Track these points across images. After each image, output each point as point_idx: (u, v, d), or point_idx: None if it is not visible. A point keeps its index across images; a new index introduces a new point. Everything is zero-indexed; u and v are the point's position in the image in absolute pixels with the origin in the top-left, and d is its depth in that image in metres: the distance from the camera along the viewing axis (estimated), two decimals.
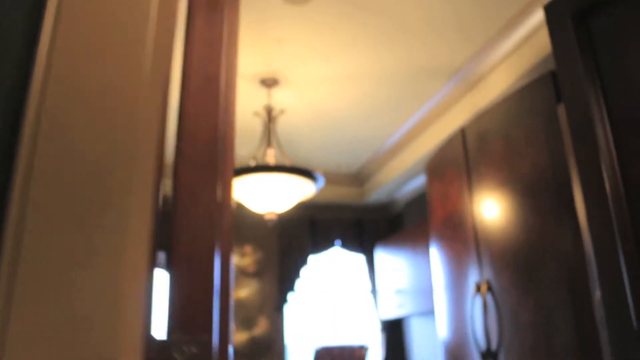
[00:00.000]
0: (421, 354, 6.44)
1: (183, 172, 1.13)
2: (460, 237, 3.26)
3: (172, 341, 1.01)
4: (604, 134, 1.70)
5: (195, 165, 1.14)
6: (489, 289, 2.85)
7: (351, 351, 5.48)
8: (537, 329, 2.41)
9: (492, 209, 2.89)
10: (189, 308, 1.06)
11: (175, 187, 1.12)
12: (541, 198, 2.46)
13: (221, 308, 1.16)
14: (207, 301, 1.07)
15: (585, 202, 1.74)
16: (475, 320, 2.95)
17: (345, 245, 7.14)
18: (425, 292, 5.29)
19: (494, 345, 2.78)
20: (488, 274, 2.89)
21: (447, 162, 3.47)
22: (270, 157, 4.20)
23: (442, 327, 3.57)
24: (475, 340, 2.94)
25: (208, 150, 1.15)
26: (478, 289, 2.95)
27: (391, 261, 6.27)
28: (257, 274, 6.92)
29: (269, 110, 4.42)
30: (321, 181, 4.00)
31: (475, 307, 2.96)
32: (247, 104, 4.62)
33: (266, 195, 3.82)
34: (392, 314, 6.19)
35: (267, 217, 4.00)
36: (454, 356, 3.38)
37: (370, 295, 7.12)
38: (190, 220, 1.10)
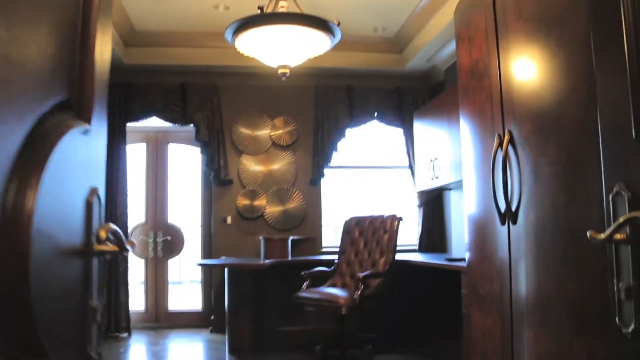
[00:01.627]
0: (459, 227, 6.21)
1: None
2: (484, 87, 2.86)
3: None
4: None
5: None
6: (511, 140, 2.49)
7: (382, 221, 5.29)
8: (559, 179, 2.06)
9: (518, 55, 2.46)
10: None
11: None
12: (572, 37, 2.01)
13: None
14: None
15: None
16: (497, 179, 2.62)
17: (383, 117, 6.77)
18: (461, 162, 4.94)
19: (514, 205, 2.46)
20: (511, 124, 2.52)
21: (473, 3, 3.00)
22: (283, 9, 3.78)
23: (467, 194, 3.28)
24: (496, 201, 2.63)
25: None
26: (500, 141, 2.59)
27: (428, 132, 5.89)
28: (292, 146, 6.71)
29: None
30: (337, 33, 3.59)
31: (497, 163, 2.62)
32: None
33: (277, 47, 3.46)
34: (429, 186, 5.91)
35: (280, 70, 3.69)
36: (477, 225, 3.10)
37: (408, 170, 6.83)
38: None
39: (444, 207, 6.76)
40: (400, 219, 5.19)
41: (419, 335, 5.61)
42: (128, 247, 1.23)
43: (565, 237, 2.00)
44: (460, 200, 6.09)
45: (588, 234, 1.33)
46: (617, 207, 1.32)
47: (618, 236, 1.23)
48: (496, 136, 2.63)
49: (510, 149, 2.51)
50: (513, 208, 2.47)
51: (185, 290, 8.58)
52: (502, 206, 2.56)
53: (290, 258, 5.89)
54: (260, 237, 6.06)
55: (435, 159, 5.58)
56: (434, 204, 6.77)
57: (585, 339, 1.86)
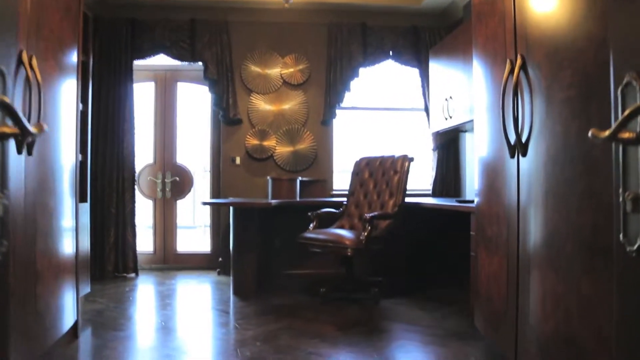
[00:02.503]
0: (473, 171, 6.00)
1: None
2: (497, 10, 2.61)
3: None
4: None
5: None
6: (523, 65, 2.27)
7: (392, 161, 5.11)
8: (573, 105, 1.86)
9: None
10: None
11: None
12: None
13: None
14: None
15: None
16: (507, 109, 2.42)
17: (398, 56, 6.48)
18: None
19: (524, 136, 2.26)
20: (523, 48, 2.29)
21: None
22: None
23: (478, 131, 3.07)
24: (506, 133, 2.43)
25: None
26: (512, 67, 2.37)
27: (444, 71, 5.61)
28: (303, 85, 6.48)
29: None
30: None
31: (508, 92, 2.41)
32: None
33: None
34: (443, 126, 5.67)
35: None
36: (486, 164, 2.91)
37: (424, 113, 6.59)
38: None
39: (459, 151, 6.53)
40: (411, 159, 5.00)
41: (427, 280, 5.50)
42: (32, 129, 1.06)
43: (577, 168, 1.81)
44: (472, 142, 5.87)
45: (590, 133, 1.13)
46: (626, 101, 1.12)
47: (626, 134, 1.02)
48: (508, 62, 2.41)
49: (522, 75, 2.29)
50: (523, 139, 2.27)
51: (198, 235, 8.57)
52: (512, 138, 2.37)
53: (298, 199, 5.77)
54: (268, 177, 5.92)
55: (450, 97, 5.33)
56: (448, 147, 6.54)
57: (593, 275, 1.70)
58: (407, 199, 4.99)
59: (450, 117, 5.33)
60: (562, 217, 1.92)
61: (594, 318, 1.68)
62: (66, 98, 3.20)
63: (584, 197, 1.75)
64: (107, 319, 4.08)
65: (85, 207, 4.23)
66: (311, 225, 5.08)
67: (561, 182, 1.93)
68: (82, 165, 3.91)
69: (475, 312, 3.20)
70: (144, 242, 6.57)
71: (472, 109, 4.71)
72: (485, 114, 2.92)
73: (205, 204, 5.01)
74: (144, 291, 5.30)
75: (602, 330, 1.62)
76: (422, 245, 5.69)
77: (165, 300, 4.84)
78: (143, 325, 4.05)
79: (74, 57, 3.36)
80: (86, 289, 4.17)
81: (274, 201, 5.05)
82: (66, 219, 3.23)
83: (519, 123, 2.32)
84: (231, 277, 5.13)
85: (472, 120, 4.79)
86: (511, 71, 2.37)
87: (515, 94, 2.34)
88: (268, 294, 5.03)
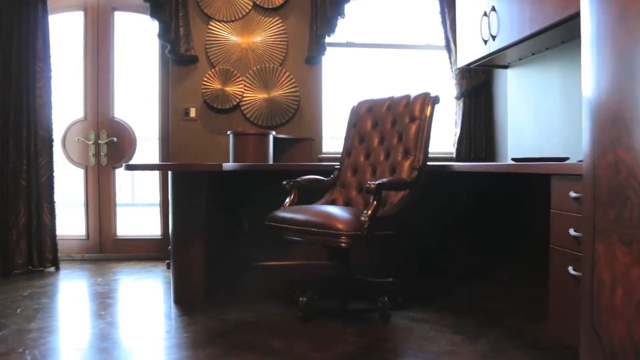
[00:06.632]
0: (520, 126, 4.33)
1: None
2: None
3: None
4: None
5: None
6: None
7: (407, 103, 3.42)
8: None
9: None
10: None
11: None
12: None
13: None
14: None
15: None
16: None
17: None
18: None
19: None
20: None
21: None
22: None
23: (586, 57, 1.45)
24: None
25: None
26: None
27: None
28: (281, 9, 4.78)
29: None
30: None
31: None
32: None
33: None
34: (479, 54, 3.95)
35: None
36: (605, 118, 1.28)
37: (443, 50, 4.90)
38: None
39: (493, 98, 4.84)
40: (435, 99, 3.31)
41: (460, 282, 3.86)
42: None
43: None
44: (524, 84, 4.17)
45: None
46: None
47: None
48: None
49: None
50: None
51: (146, 215, 6.77)
52: None
53: (271, 162, 4.10)
54: (229, 132, 4.25)
55: (493, 9, 3.62)
56: (478, 93, 4.86)
57: None
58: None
59: (493, 38, 3.62)
60: None
61: None
62: None
63: None
64: None
65: None
66: (287, 199, 3.42)
67: None
68: None
69: (583, 347, 1.58)
70: (75, 224, 4.94)
71: (533, 20, 3.02)
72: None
73: (126, 169, 3.32)
74: (47, 296, 3.65)
75: None
76: (448, 230, 4.04)
77: (63, 315, 3.20)
78: None
79: None
80: None
81: (229, 165, 3.36)
82: None
83: None
84: (171, 278, 3.49)
85: (533, 36, 3.10)
86: None
87: None
88: (225, 301, 3.38)
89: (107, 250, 4.94)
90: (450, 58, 4.83)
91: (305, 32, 4.77)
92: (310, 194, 3.54)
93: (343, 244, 2.81)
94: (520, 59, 4.07)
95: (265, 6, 4.73)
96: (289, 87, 4.76)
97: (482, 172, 3.16)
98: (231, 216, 4.23)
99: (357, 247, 2.88)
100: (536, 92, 3.96)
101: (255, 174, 4.02)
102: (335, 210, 3.01)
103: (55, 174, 4.53)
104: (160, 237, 4.94)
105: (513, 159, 3.09)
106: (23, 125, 4.40)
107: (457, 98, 4.87)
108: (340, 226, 2.81)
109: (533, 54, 3.84)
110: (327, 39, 4.76)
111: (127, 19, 5.01)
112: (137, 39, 5.07)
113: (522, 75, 4.19)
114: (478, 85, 4.82)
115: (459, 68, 4.62)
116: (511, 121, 4.45)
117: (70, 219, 5.08)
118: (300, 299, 3.00)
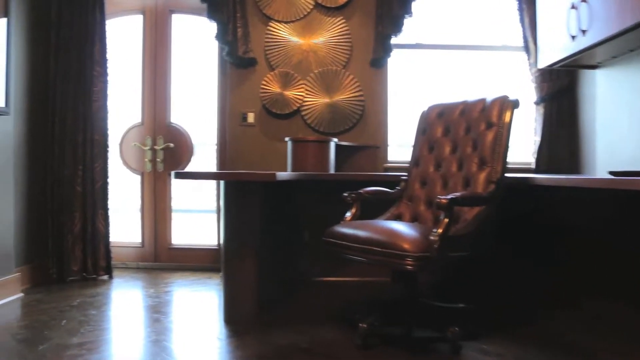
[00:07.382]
0: (612, 133, 3.86)
1: None
2: None
3: None
4: None
5: None
6: None
7: (483, 109, 3.05)
8: None
9: None
10: None
11: None
12: None
13: None
14: None
15: None
16: None
17: None
18: None
19: None
20: None
21: None
22: None
23: None
24: None
25: None
26: None
27: None
28: (344, 9, 4.50)
29: None
30: None
31: None
32: None
33: None
34: (566, 52, 3.52)
35: None
36: None
37: (522, 52, 4.47)
38: None
39: (578, 103, 4.38)
40: (515, 102, 2.93)
41: (542, 310, 3.44)
42: None
43: None
44: (618, 86, 3.70)
45: None
46: None
47: None
48: None
49: None
50: None
51: (203, 222, 6.55)
52: None
53: (332, 172, 3.81)
54: (287, 139, 3.99)
55: (583, 1, 3.19)
56: (561, 98, 4.40)
57: None
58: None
59: (584, 33, 3.19)
60: None
61: None
62: None
63: None
64: None
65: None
66: (348, 213, 3.12)
67: None
68: None
69: None
70: (131, 231, 4.83)
71: (635, 9, 2.60)
72: None
73: (176, 177, 3.10)
74: (95, 307, 3.48)
75: None
76: (536, 249, 3.63)
77: (107, 330, 3.02)
78: None
79: None
80: None
81: (283, 174, 3.08)
82: None
83: None
84: (222, 297, 3.26)
85: (634, 28, 2.68)
86: None
87: None
88: (278, 321, 3.11)
89: (161, 259, 4.78)
90: (529, 59, 4.40)
91: (370, 33, 4.46)
92: (374, 207, 3.22)
93: (409, 267, 2.47)
94: (614, 57, 3.60)
95: (328, 5, 4.46)
96: (353, 91, 4.45)
97: (566, 187, 2.75)
98: (288, 228, 3.97)
99: (424, 270, 2.53)
100: (635, 96, 3.49)
101: (315, 183, 3.74)
102: (401, 227, 2.68)
103: (110, 179, 4.41)
104: (216, 247, 4.74)
105: (611, 173, 2.67)
106: (79, 130, 4.31)
107: (537, 103, 4.43)
108: (406, 246, 2.48)
109: (632, 51, 3.37)
110: (394, 40, 4.43)
111: (185, 21, 4.86)
112: (195, 41, 4.90)
113: (617, 76, 3.72)
114: (561, 89, 4.36)
115: (539, 70, 4.20)
116: (601, 129, 3.98)
117: (126, 225, 4.95)
118: (360, 324, 2.68)
